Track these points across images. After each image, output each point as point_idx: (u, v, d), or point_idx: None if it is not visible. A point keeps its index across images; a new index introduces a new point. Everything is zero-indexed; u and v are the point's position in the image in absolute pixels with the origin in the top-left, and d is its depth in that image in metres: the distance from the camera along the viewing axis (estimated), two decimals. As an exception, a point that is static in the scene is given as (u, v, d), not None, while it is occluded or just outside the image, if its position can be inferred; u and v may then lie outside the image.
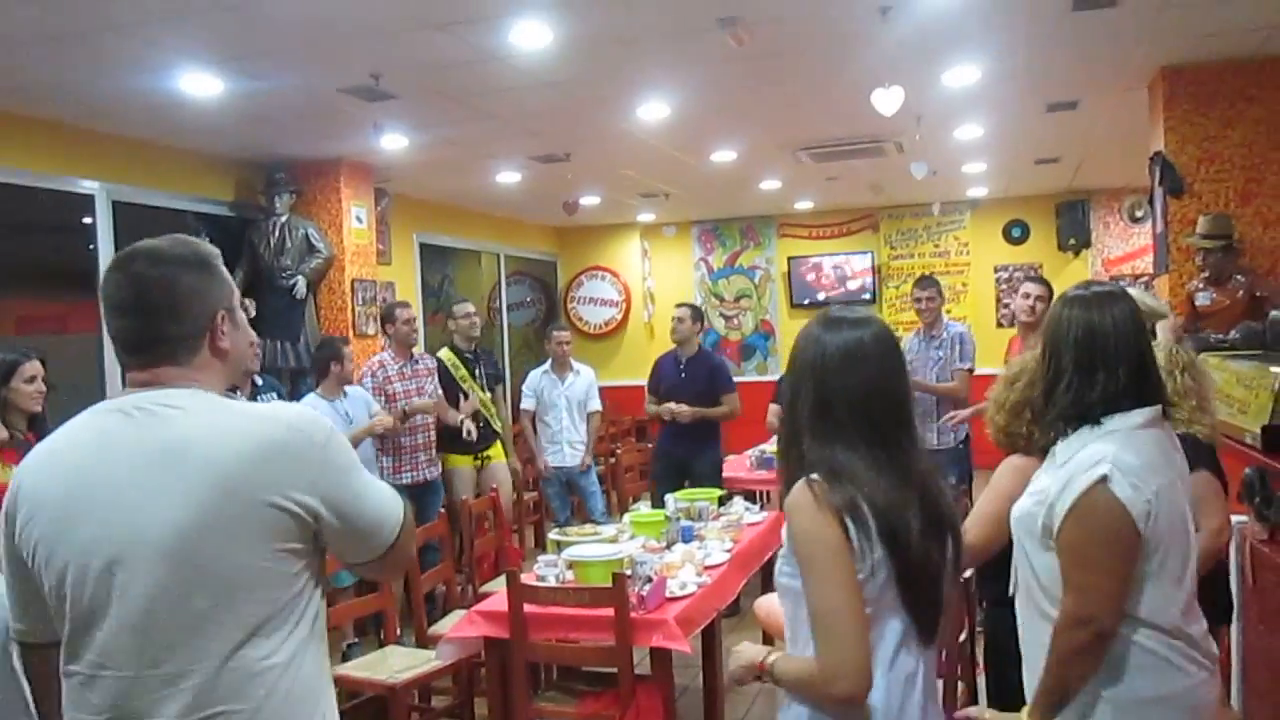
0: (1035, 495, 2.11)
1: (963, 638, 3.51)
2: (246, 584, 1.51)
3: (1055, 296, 2.25)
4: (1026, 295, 5.41)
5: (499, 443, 6.66)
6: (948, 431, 5.89)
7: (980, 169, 9.09)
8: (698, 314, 6.64)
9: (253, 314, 6.37)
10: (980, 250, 11.14)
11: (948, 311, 6.71)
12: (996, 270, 11.08)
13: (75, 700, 1.54)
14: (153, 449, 1.52)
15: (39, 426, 3.89)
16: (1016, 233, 11.08)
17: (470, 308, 6.69)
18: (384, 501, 1.68)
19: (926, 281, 6.24)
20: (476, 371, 6.54)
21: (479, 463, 6.47)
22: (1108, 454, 1.98)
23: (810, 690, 1.76)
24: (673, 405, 6.26)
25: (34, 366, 3.81)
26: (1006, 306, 10.77)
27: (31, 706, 1.73)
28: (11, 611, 1.64)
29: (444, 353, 6.54)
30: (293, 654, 1.56)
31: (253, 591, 1.52)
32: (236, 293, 1.70)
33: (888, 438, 1.80)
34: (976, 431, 5.76)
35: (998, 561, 2.46)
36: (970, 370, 5.90)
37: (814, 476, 1.77)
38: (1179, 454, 2.12)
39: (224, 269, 1.69)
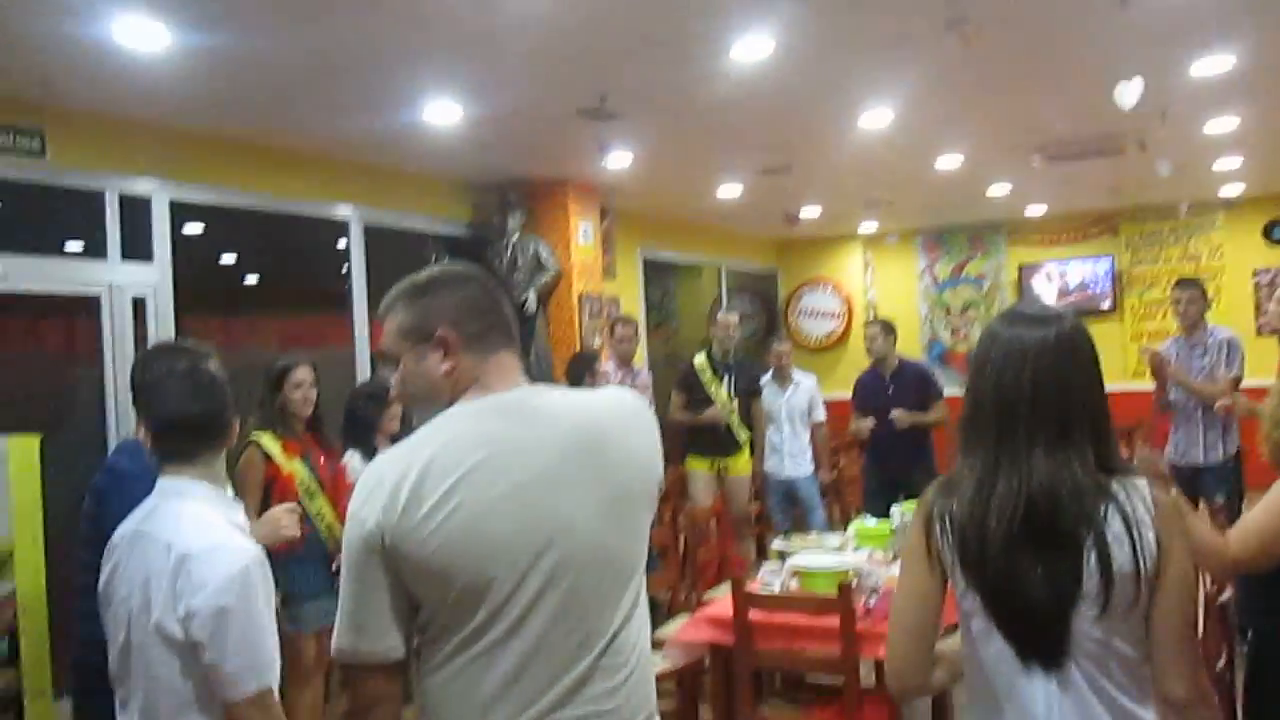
0: None
1: (1220, 665, 3.27)
2: (637, 566, 1.69)
3: None
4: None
5: (743, 454, 6.70)
6: (1215, 446, 5.47)
7: (1235, 165, 8.42)
8: (889, 328, 6.52)
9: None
10: (1235, 253, 10.30)
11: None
12: (1256, 274, 10.21)
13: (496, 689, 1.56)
14: (567, 437, 1.63)
15: (317, 428, 4.25)
16: (1278, 233, 10.19)
17: (734, 318, 6.86)
18: None
19: (1187, 283, 5.80)
20: (725, 379, 6.62)
21: (716, 470, 6.54)
22: None
23: None
24: (898, 413, 6.13)
25: (303, 372, 4.16)
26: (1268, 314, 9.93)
27: None
28: (375, 634, 1.55)
29: (698, 358, 6.70)
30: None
31: (636, 574, 1.69)
32: None
33: (1019, 442, 1.68)
34: (1250, 446, 5.33)
35: (1263, 583, 2.29)
36: (1238, 379, 5.43)
37: (940, 478, 1.78)
38: None
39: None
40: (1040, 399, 1.69)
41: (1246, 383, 5.55)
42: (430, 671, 1.59)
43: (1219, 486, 5.29)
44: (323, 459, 4.20)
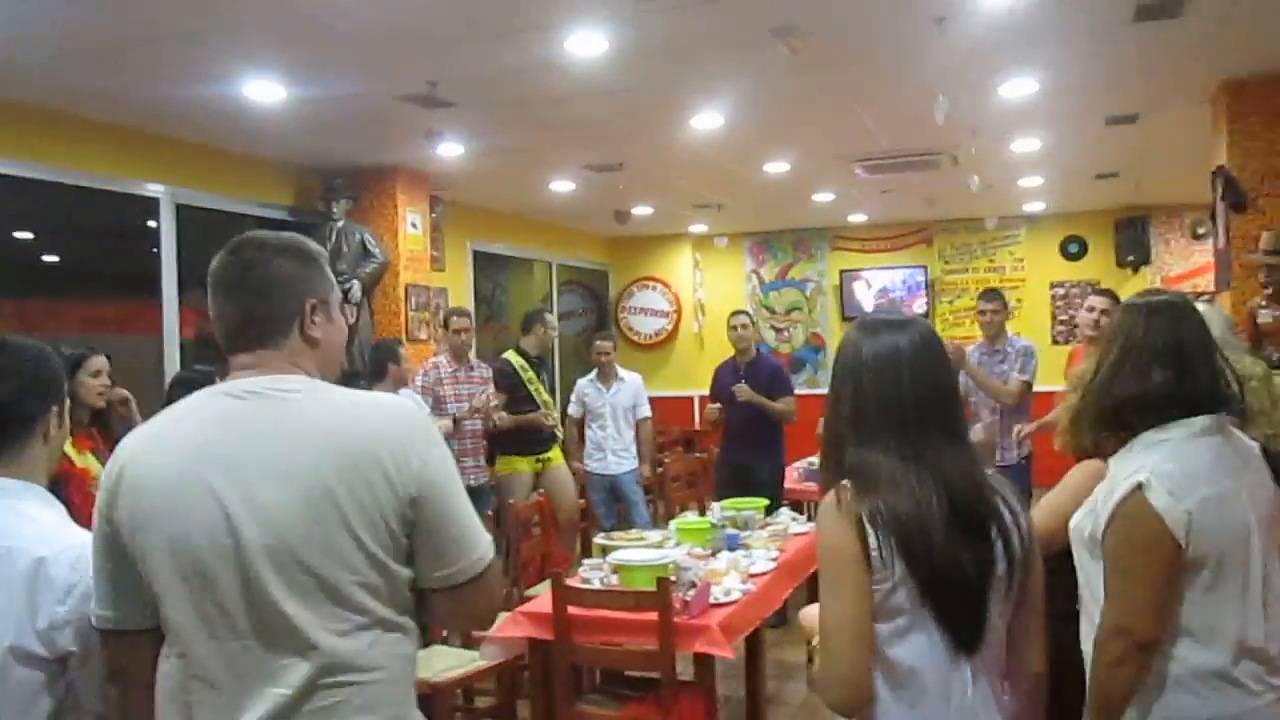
0: (1086, 506, 2.09)
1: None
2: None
3: (1120, 305, 2.21)
4: (1091, 309, 5.35)
5: (557, 446, 6.72)
6: (1010, 448, 5.81)
7: (1037, 183, 8.99)
8: (752, 319, 6.74)
9: (352, 320, 6.55)
10: (1036, 266, 11.00)
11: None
12: (1053, 286, 10.94)
13: (179, 682, 1.55)
14: (268, 426, 1.56)
15: (103, 422, 4.00)
16: (1074, 249, 10.93)
17: (555, 320, 6.86)
18: (478, 521, 1.67)
19: (991, 294, 6.16)
20: (542, 375, 6.65)
21: (540, 465, 6.53)
22: (1147, 463, 1.95)
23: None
24: (741, 386, 6.26)
25: (99, 361, 3.93)
26: (1063, 323, 10.63)
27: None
28: (97, 599, 1.63)
29: (512, 355, 6.64)
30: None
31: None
32: (336, 292, 1.75)
33: (920, 437, 1.76)
34: (1038, 449, 5.68)
35: (1057, 574, 2.42)
36: (1028, 383, 5.80)
37: (844, 483, 1.76)
38: (1252, 464, 2.06)
39: (327, 269, 1.75)
40: (925, 396, 1.78)
41: (1039, 387, 5.93)
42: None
43: (1015, 485, 5.62)
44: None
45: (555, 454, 6.66)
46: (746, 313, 6.79)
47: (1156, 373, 2.04)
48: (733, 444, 6.48)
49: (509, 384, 6.48)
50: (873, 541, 1.69)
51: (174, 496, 1.54)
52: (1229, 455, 2.02)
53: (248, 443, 1.55)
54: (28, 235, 6.28)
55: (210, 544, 1.51)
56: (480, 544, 1.64)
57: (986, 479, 1.80)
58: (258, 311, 1.63)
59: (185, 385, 4.23)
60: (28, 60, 4.60)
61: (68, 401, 1.93)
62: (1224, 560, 1.94)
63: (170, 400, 4.02)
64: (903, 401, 1.78)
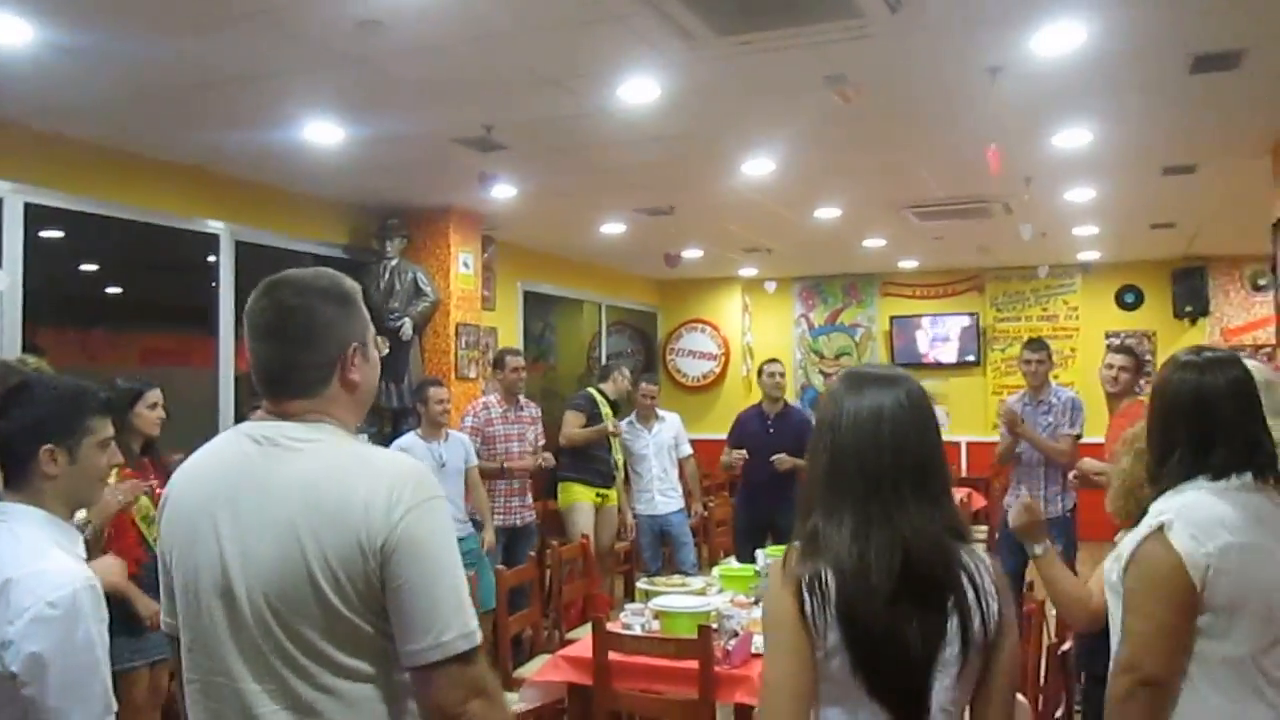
0: (1114, 554, 2.08)
1: (1059, 714, 3.39)
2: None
3: (1167, 361, 2.17)
4: (1110, 366, 5.44)
5: (616, 488, 6.76)
6: (1055, 500, 5.72)
7: (1091, 232, 8.89)
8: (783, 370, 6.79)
9: (385, 352, 6.62)
10: (1091, 316, 10.85)
11: (1055, 377, 6.54)
12: (1108, 336, 10.75)
13: (194, 701, 1.63)
14: (268, 476, 1.59)
15: (153, 451, 4.10)
16: (1130, 299, 10.77)
17: (629, 372, 7.04)
18: (461, 601, 1.58)
19: (1036, 344, 6.09)
20: (615, 414, 6.84)
21: (599, 500, 6.58)
22: (1174, 505, 1.95)
23: None
24: (782, 457, 6.23)
25: (156, 394, 4.07)
26: (1117, 374, 10.48)
27: None
28: (164, 605, 1.74)
29: (593, 391, 6.87)
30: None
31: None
32: (371, 329, 1.74)
33: (890, 496, 1.68)
34: (1084, 502, 5.58)
35: (1097, 634, 2.38)
36: (1077, 437, 5.72)
37: (795, 544, 1.73)
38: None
39: (363, 305, 1.74)
40: (902, 456, 1.71)
41: (1086, 439, 5.84)
42: None
43: (1057, 538, 5.52)
44: (159, 484, 4.04)
45: (613, 495, 6.72)
46: (779, 360, 6.81)
47: (1182, 429, 2.03)
48: (754, 495, 6.43)
49: (589, 409, 6.68)
50: (808, 607, 1.64)
51: (190, 534, 1.62)
52: (1266, 513, 1.98)
53: (250, 490, 1.59)
54: (93, 268, 6.46)
55: (212, 585, 1.58)
56: (450, 626, 1.53)
57: (958, 552, 1.71)
58: (300, 360, 1.64)
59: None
60: (96, 102, 4.75)
61: (90, 438, 2.04)
62: (1243, 610, 1.91)
63: None
64: (879, 461, 1.71)
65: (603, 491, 6.65)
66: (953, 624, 1.65)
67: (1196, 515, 1.92)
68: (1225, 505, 1.95)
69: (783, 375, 6.61)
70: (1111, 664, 1.97)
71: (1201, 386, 2.03)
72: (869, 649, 1.63)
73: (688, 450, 7.07)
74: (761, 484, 6.30)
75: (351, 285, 1.73)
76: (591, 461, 6.62)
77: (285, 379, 1.65)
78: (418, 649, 1.53)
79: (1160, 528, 1.92)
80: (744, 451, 6.41)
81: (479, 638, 1.58)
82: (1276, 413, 3.35)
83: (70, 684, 1.79)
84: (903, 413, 1.74)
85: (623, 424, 7.04)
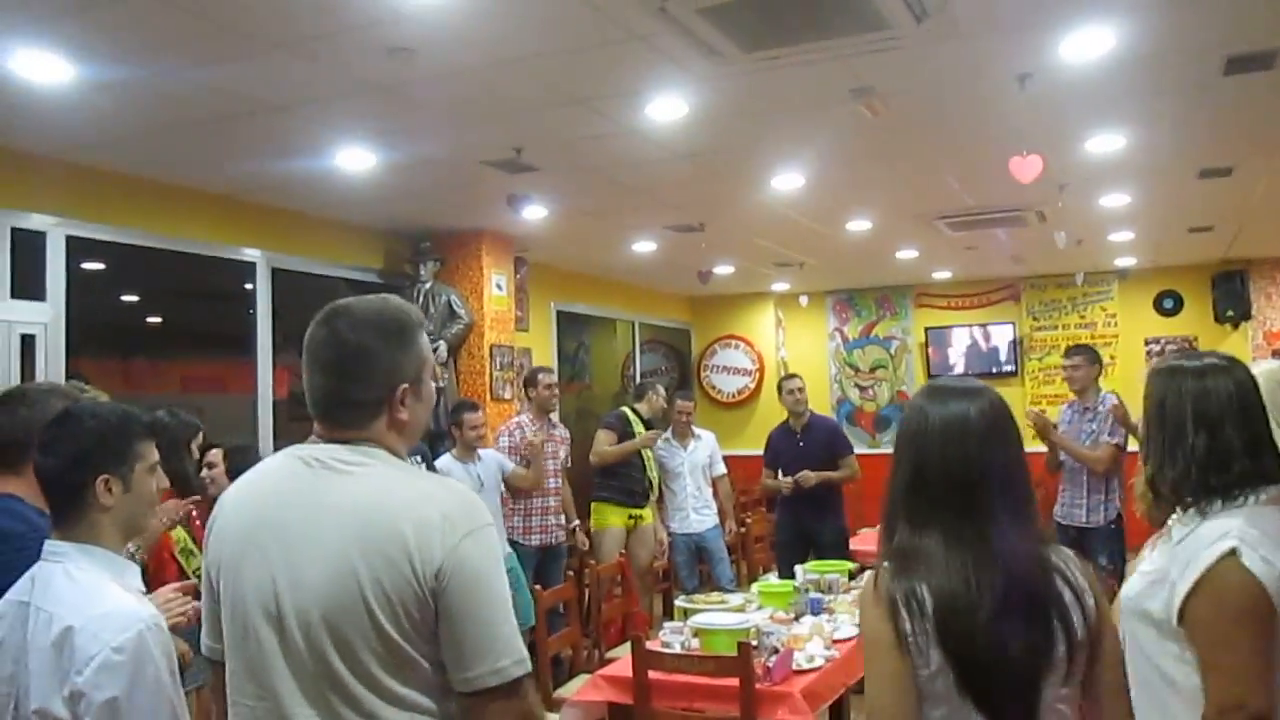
0: (1149, 575, 1.95)
1: None
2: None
3: (1157, 367, 2.10)
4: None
5: (650, 507, 6.73)
6: (1098, 509, 5.63)
7: (1128, 238, 8.79)
8: (803, 384, 6.72)
9: (443, 384, 6.69)
10: (1130, 322, 10.72)
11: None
12: (1148, 343, 10.62)
13: None
14: (320, 498, 1.59)
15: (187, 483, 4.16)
16: (1169, 304, 10.63)
17: (664, 390, 6.99)
18: (511, 630, 1.58)
19: (1075, 350, 6.00)
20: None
21: (631, 522, 6.54)
22: (1232, 528, 1.84)
23: None
24: (805, 474, 6.21)
25: (216, 455, 4.21)
26: (1158, 381, 10.33)
27: None
28: (205, 629, 1.73)
29: (627, 410, 6.81)
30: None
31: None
32: (430, 363, 1.74)
33: (984, 513, 1.68)
34: (1130, 510, 5.49)
35: None
36: (1119, 446, 5.60)
37: (884, 564, 1.71)
38: None
39: (423, 338, 1.73)
40: (989, 468, 1.71)
41: (1133, 448, 5.73)
42: None
43: (1102, 549, 5.44)
44: (197, 515, 4.08)
45: (648, 514, 6.68)
46: (798, 375, 6.77)
47: (1187, 439, 1.95)
48: (792, 508, 6.40)
49: (621, 427, 6.61)
50: (906, 627, 1.63)
51: (240, 554, 1.62)
52: None
53: (301, 513, 1.59)
54: (133, 298, 6.56)
55: (261, 608, 1.57)
56: (504, 654, 1.53)
57: (1050, 558, 1.71)
58: (351, 396, 1.65)
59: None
60: (133, 135, 4.84)
61: (141, 464, 1.99)
62: None
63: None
64: (969, 473, 1.70)
65: (635, 512, 6.60)
66: (1055, 630, 1.65)
67: (1256, 535, 1.83)
68: (1273, 522, 1.87)
69: (802, 390, 6.57)
70: (1209, 708, 1.83)
71: (1203, 390, 1.96)
72: (974, 669, 1.62)
73: (721, 470, 7.04)
74: (801, 498, 6.29)
75: (413, 316, 1.72)
76: (624, 481, 6.59)
77: (336, 412, 1.66)
78: (473, 675, 1.52)
79: (1231, 552, 1.81)
80: (789, 480, 6.37)
81: (529, 664, 1.58)
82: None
83: None
84: (986, 424, 1.74)
85: (659, 441, 7.04)
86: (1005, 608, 1.62)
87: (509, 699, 1.53)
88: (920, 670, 1.63)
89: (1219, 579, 1.82)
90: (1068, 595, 1.68)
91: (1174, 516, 1.98)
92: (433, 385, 1.78)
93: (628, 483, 6.59)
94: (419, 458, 5.69)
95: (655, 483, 6.79)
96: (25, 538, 2.08)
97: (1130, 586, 2.02)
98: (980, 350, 11.20)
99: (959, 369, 11.16)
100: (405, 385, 1.67)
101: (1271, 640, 1.82)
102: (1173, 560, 1.90)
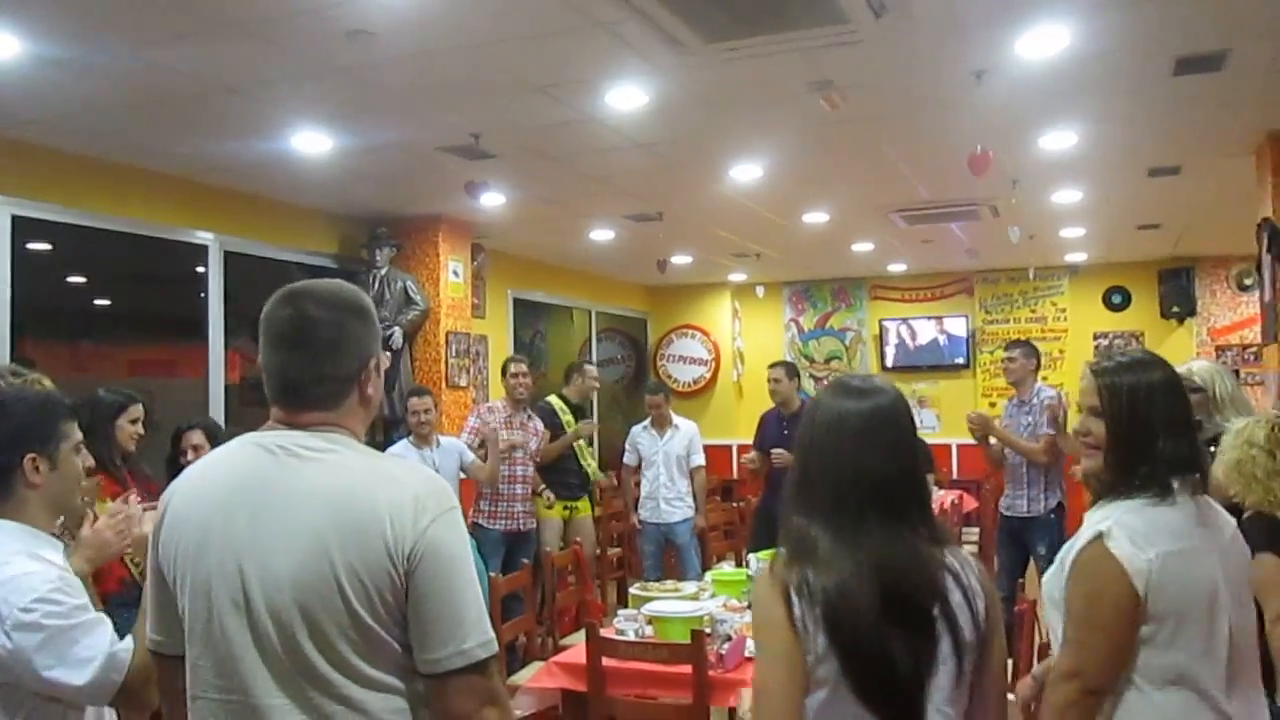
0: (1055, 566, 2.07)
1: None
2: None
3: (1092, 366, 2.16)
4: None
5: (587, 499, 6.75)
6: (1038, 499, 5.75)
7: (1079, 234, 8.94)
8: (793, 370, 6.74)
9: (387, 365, 6.59)
10: (1079, 317, 10.90)
11: (1044, 378, 6.57)
12: (1096, 338, 10.81)
13: (200, 718, 1.60)
14: (288, 485, 1.58)
15: (133, 464, 4.10)
16: (1117, 299, 10.82)
17: (597, 371, 6.95)
18: (480, 612, 1.59)
19: (1013, 344, 6.18)
20: (578, 421, 6.77)
21: (567, 513, 6.57)
22: (1112, 514, 1.95)
23: None
24: (781, 452, 6.27)
25: (138, 410, 4.07)
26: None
27: None
28: (150, 622, 1.71)
29: (554, 399, 6.78)
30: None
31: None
32: (380, 343, 1.77)
33: (855, 514, 1.71)
34: (1072, 501, 5.61)
35: None
36: (1052, 438, 5.71)
37: (781, 550, 1.75)
38: (1223, 529, 2.04)
39: (376, 320, 1.75)
40: (861, 474, 1.74)
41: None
42: None
43: (1042, 538, 5.58)
44: (141, 498, 4.02)
45: (583, 505, 6.72)
46: (784, 364, 6.80)
47: (1141, 435, 2.01)
48: (772, 494, 6.43)
49: (549, 423, 6.62)
50: (797, 610, 1.67)
51: (201, 543, 1.59)
52: (1199, 517, 2.00)
53: (268, 500, 1.57)
54: (80, 280, 6.44)
55: (228, 597, 1.55)
56: (470, 636, 1.55)
57: (941, 557, 1.73)
58: (326, 372, 1.64)
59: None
60: (84, 113, 4.75)
61: (66, 443, 2.07)
62: (1186, 616, 1.92)
63: (176, 448, 4.14)
64: (840, 474, 1.74)
65: (571, 503, 6.62)
66: (940, 631, 1.69)
67: (1133, 521, 1.93)
68: (1161, 512, 1.95)
69: (779, 380, 6.60)
70: (1052, 672, 1.98)
71: (1131, 387, 2.03)
72: (857, 660, 1.65)
73: (699, 461, 7.02)
74: (778, 483, 6.34)
75: (369, 301, 1.75)
76: (558, 474, 6.59)
77: (306, 390, 1.64)
78: (440, 656, 1.54)
79: (1099, 536, 1.92)
80: (755, 455, 6.46)
81: (496, 646, 1.59)
82: (1229, 402, 3.39)
83: (74, 664, 1.85)
84: (870, 426, 1.77)
85: (637, 428, 7.03)
86: (888, 605, 1.65)
87: (475, 679, 1.55)
88: (807, 655, 1.66)
89: (1084, 560, 1.95)
90: (956, 597, 1.71)
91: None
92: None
93: (562, 475, 6.58)
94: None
95: (592, 473, 6.78)
96: None
97: (1047, 575, 2.12)
98: (934, 343, 11.33)
99: (913, 362, 11.29)
100: (374, 359, 1.70)
101: (1126, 621, 1.90)
102: (1069, 547, 2.02)
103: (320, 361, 1.64)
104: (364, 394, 1.69)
